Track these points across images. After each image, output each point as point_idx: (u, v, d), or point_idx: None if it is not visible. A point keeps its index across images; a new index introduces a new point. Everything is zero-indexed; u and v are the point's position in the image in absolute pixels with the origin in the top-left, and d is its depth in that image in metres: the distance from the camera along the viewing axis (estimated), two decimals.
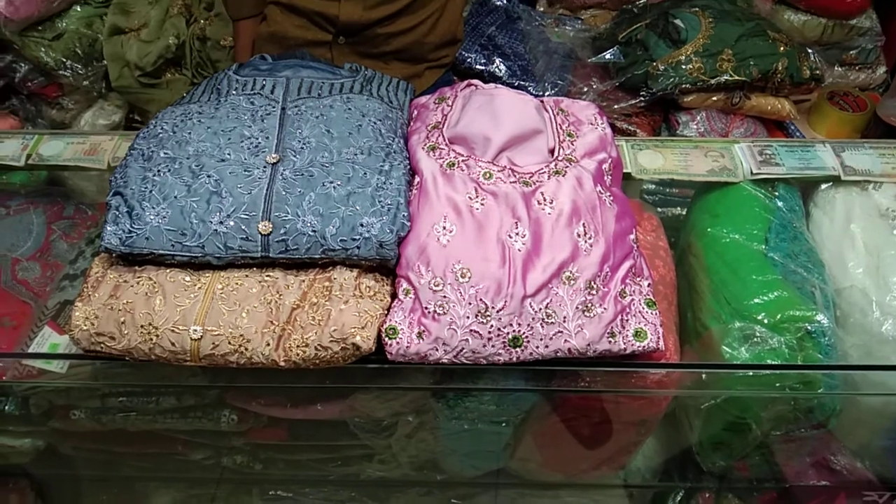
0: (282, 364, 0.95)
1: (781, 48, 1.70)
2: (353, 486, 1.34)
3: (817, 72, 1.73)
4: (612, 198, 1.07)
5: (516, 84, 1.80)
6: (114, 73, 1.91)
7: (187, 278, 0.99)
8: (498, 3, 1.96)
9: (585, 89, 1.81)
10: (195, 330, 0.95)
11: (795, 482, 1.30)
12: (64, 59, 1.89)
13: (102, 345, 0.97)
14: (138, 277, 0.99)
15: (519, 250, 0.99)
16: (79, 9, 1.93)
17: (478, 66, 1.82)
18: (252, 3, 1.56)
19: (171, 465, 1.30)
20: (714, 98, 1.72)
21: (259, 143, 1.06)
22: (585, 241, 1.00)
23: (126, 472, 1.37)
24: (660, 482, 1.41)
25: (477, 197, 1.03)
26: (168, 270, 1.00)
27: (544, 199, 1.03)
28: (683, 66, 1.69)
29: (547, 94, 1.78)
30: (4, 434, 1.24)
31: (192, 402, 1.14)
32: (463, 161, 1.08)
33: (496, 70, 1.82)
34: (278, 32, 1.48)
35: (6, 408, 1.17)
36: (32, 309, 1.20)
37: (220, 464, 1.26)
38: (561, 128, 1.15)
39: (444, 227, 1.00)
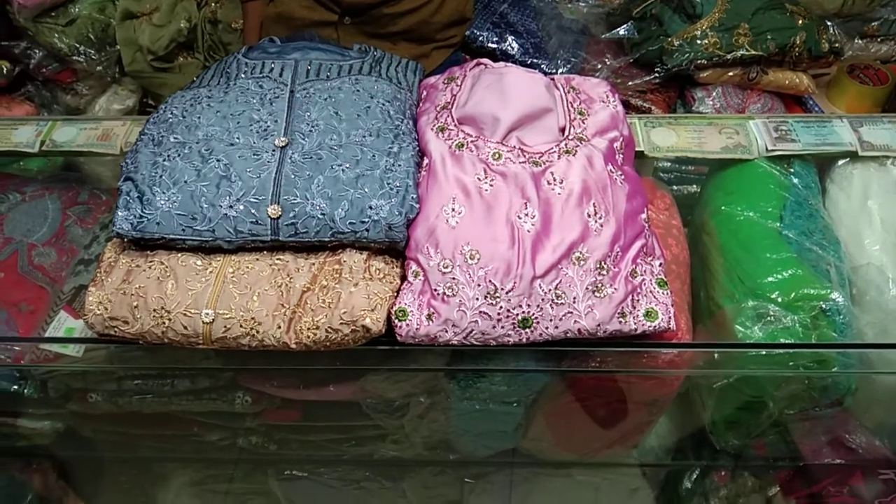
0: (293, 346, 0.96)
1: (799, 21, 1.66)
2: (368, 466, 1.36)
3: (836, 45, 1.69)
4: (623, 177, 1.06)
5: (529, 62, 1.78)
6: (127, 58, 1.91)
7: (199, 262, 1.00)
8: None
9: (599, 66, 1.79)
10: (207, 314, 0.96)
11: (811, 460, 1.29)
12: (77, 45, 1.89)
13: (116, 329, 0.98)
14: (150, 262, 1.00)
15: (528, 231, 0.98)
16: None
17: (490, 45, 1.79)
18: None
19: (188, 446, 1.32)
20: (730, 73, 1.69)
21: (268, 126, 1.06)
22: (596, 221, 1.00)
23: (145, 452, 1.39)
24: (673, 461, 1.41)
25: (486, 178, 1.03)
26: (180, 255, 1.01)
27: (554, 180, 1.03)
28: (699, 42, 1.66)
29: (560, 71, 1.75)
30: (25, 416, 1.27)
31: (207, 384, 1.15)
32: (472, 142, 1.07)
33: (508, 48, 1.79)
34: (285, 13, 1.47)
35: (25, 391, 1.19)
36: (49, 294, 1.22)
37: (235, 444, 1.27)
38: (572, 106, 1.14)
39: (453, 209, 1.00)
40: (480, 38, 1.77)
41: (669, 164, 1.66)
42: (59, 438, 1.34)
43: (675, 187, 1.72)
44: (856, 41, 1.88)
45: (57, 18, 1.88)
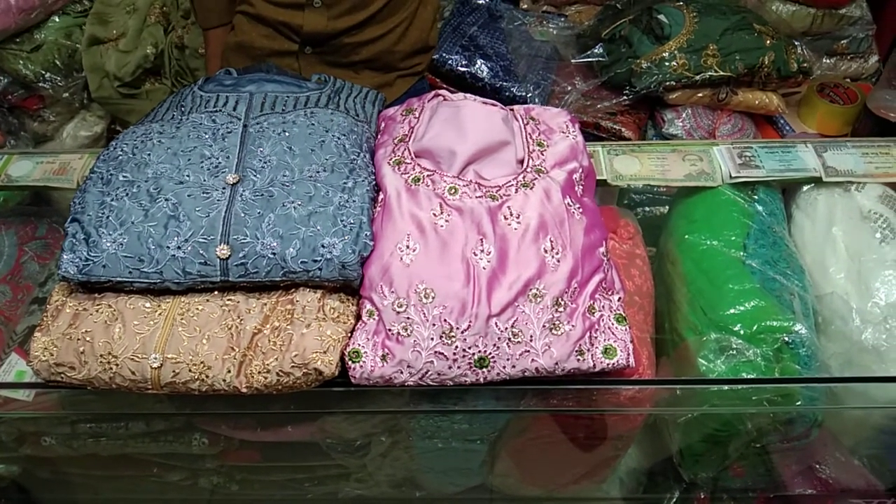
0: (244, 391, 0.94)
1: (768, 41, 1.66)
2: None
3: (805, 64, 1.69)
4: (581, 209, 1.04)
5: (499, 85, 1.77)
6: (93, 84, 1.90)
7: (147, 305, 0.98)
8: (480, 1, 1.93)
9: (569, 88, 1.78)
10: (155, 358, 0.93)
11: (785, 490, 1.27)
12: (43, 72, 1.87)
13: (63, 375, 0.95)
14: (98, 305, 0.98)
15: (484, 268, 0.96)
16: (57, 20, 1.91)
17: (459, 68, 1.79)
18: (221, 11, 1.54)
19: (151, 486, 1.29)
20: (700, 94, 1.69)
21: (219, 163, 1.04)
22: (553, 257, 0.98)
23: (105, 494, 1.36)
24: (647, 492, 1.39)
25: (441, 213, 1.01)
26: (128, 297, 0.98)
27: (511, 214, 1.01)
28: (667, 63, 1.65)
29: (529, 94, 1.75)
30: None
31: (162, 426, 1.13)
32: (428, 176, 1.05)
33: (478, 71, 1.79)
34: (245, 42, 1.45)
35: None
36: (2, 333, 1.19)
37: (198, 485, 1.24)
38: (531, 137, 1.12)
39: (408, 246, 0.98)
40: (450, 62, 1.76)
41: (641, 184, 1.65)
42: (23, 478, 1.31)
43: (647, 209, 1.71)
44: (825, 60, 1.89)
45: (22, 45, 1.86)
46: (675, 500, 1.40)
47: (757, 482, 1.30)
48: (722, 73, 1.64)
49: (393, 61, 1.51)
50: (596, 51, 1.77)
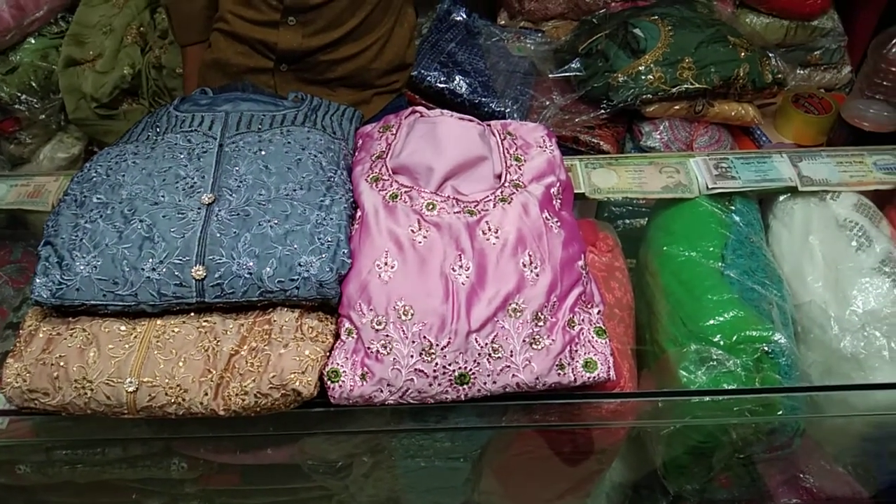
0: (221, 413, 0.92)
1: (742, 53, 1.68)
2: None
3: (779, 76, 1.71)
4: (559, 223, 1.04)
5: (477, 101, 1.78)
6: (70, 106, 1.88)
7: (123, 328, 0.96)
8: (457, 18, 1.94)
9: (547, 103, 1.79)
10: (130, 382, 0.92)
11: (768, 501, 1.27)
12: (19, 94, 1.86)
13: (36, 401, 0.94)
14: (72, 329, 0.96)
15: (463, 284, 0.96)
16: (33, 41, 1.90)
17: (438, 84, 1.79)
18: (199, 28, 1.53)
19: None
20: (676, 107, 1.70)
21: (195, 183, 1.03)
22: (531, 271, 0.98)
23: None
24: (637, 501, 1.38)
25: (420, 230, 1.00)
26: (103, 321, 0.97)
27: (489, 229, 1.01)
28: (643, 77, 1.66)
29: (508, 110, 1.75)
30: None
31: (140, 451, 1.11)
32: (406, 192, 1.05)
33: (457, 87, 1.79)
34: (221, 59, 1.45)
35: None
36: None
37: None
38: (508, 152, 1.13)
39: (386, 263, 0.98)
40: (428, 78, 1.77)
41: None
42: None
43: (626, 221, 1.71)
44: (798, 71, 1.91)
45: None
46: None
47: (743, 493, 1.30)
48: (698, 85, 1.66)
49: (369, 79, 1.51)
50: (573, 65, 1.79)
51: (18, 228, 1.45)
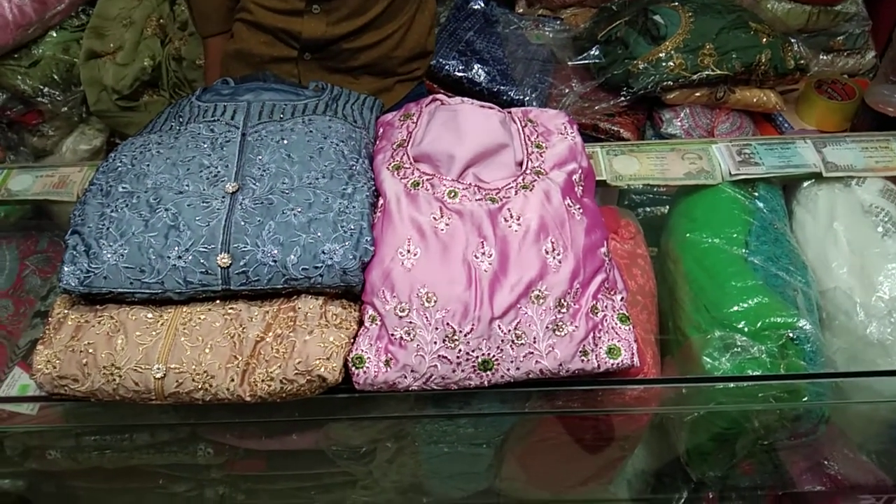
0: (247, 399, 0.93)
1: (764, 39, 1.66)
2: None
3: (802, 62, 1.69)
4: (581, 210, 1.04)
5: (496, 89, 1.77)
6: (92, 98, 1.90)
7: (149, 315, 0.98)
8: (475, 7, 1.93)
9: (567, 91, 1.78)
10: (158, 368, 0.93)
11: (792, 487, 1.26)
12: (41, 87, 1.88)
13: (66, 387, 0.95)
14: (100, 317, 0.98)
15: (485, 271, 0.96)
16: (54, 34, 1.92)
17: (456, 73, 1.79)
18: (220, 19, 1.54)
19: (156, 498, 1.29)
20: (697, 94, 1.69)
21: (218, 172, 1.04)
22: (554, 258, 0.98)
23: None
24: (655, 492, 1.38)
25: (442, 217, 1.01)
26: (130, 308, 0.98)
27: (511, 216, 1.01)
28: (664, 64, 1.65)
29: (527, 98, 1.75)
30: None
31: (167, 437, 1.12)
32: (428, 180, 1.05)
33: (475, 76, 1.79)
34: (244, 49, 1.46)
35: None
36: (5, 347, 1.19)
37: (203, 495, 1.24)
38: (529, 139, 1.12)
39: (409, 251, 0.98)
40: (447, 67, 1.76)
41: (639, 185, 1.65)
42: (28, 492, 1.30)
43: (647, 209, 1.71)
44: (821, 56, 1.89)
45: (20, 60, 1.86)
46: (682, 500, 1.40)
47: (765, 480, 1.30)
48: (719, 71, 1.64)
49: (391, 66, 1.51)
50: (592, 53, 1.78)
51: (44, 219, 1.47)
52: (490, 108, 1.14)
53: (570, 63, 1.80)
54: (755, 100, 1.71)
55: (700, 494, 1.36)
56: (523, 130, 1.13)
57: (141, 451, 1.14)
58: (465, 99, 1.16)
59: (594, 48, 1.78)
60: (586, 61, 1.79)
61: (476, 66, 1.79)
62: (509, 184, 1.05)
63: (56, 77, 1.89)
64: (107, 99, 1.90)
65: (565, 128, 1.15)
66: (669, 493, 1.38)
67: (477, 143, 1.07)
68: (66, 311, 1.00)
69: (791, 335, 1.02)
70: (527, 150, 1.10)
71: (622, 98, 1.71)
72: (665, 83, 1.65)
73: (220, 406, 0.97)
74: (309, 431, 1.11)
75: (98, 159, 1.96)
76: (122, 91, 1.86)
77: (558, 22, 1.93)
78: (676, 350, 1.11)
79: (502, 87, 1.78)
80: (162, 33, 1.91)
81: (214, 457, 1.15)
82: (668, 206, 1.66)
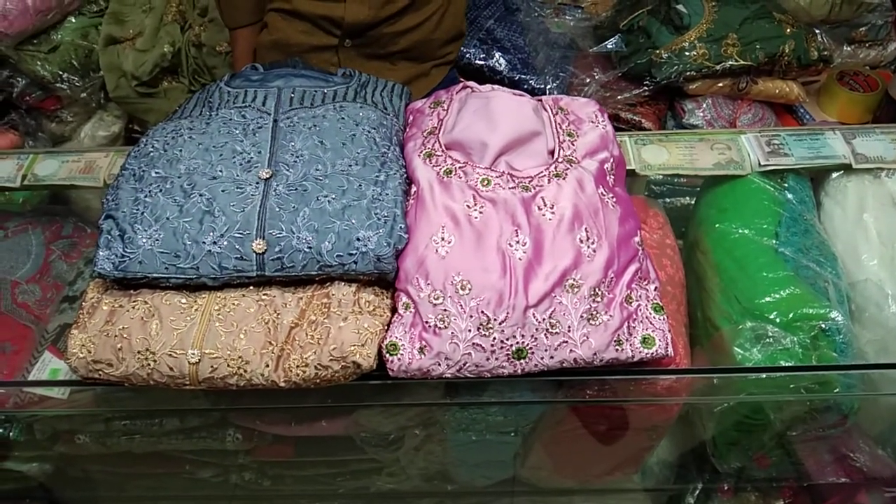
0: (282, 385, 0.94)
1: (788, 30, 1.65)
2: (364, 499, 1.33)
3: (825, 53, 1.68)
4: (614, 199, 1.04)
5: (517, 78, 1.77)
6: (111, 84, 1.90)
7: (183, 300, 0.98)
8: None
9: (588, 80, 1.78)
10: (193, 354, 0.93)
11: (814, 479, 1.27)
12: (61, 72, 1.87)
13: (101, 372, 0.95)
14: (134, 302, 0.98)
15: (520, 259, 0.96)
16: (73, 20, 1.91)
17: (477, 62, 1.78)
18: (249, 10, 1.51)
19: (180, 483, 1.29)
20: (720, 84, 1.68)
21: (251, 158, 1.04)
22: (588, 247, 0.98)
23: (137, 491, 1.36)
24: (675, 482, 1.38)
25: (475, 205, 1.00)
26: (164, 293, 0.98)
27: (545, 205, 1.01)
28: (687, 53, 1.64)
29: (548, 87, 1.74)
30: (11, 459, 1.24)
31: (196, 422, 1.13)
32: (460, 168, 1.05)
33: (496, 64, 1.78)
34: (281, 40, 1.43)
35: (11, 434, 1.16)
36: (34, 332, 1.19)
37: (228, 481, 1.24)
38: (560, 127, 1.12)
39: (443, 238, 0.98)
40: (468, 56, 1.76)
41: (662, 177, 1.65)
42: (50, 479, 1.31)
43: (668, 200, 1.70)
44: (844, 48, 1.87)
45: (39, 46, 1.86)
46: (699, 490, 1.40)
47: (782, 472, 1.30)
48: (742, 62, 1.64)
49: (429, 50, 1.49)
50: (614, 42, 1.77)
51: (67, 204, 1.47)
52: (522, 95, 1.14)
53: (591, 52, 1.79)
54: (777, 91, 1.70)
55: (715, 485, 1.36)
56: (554, 118, 1.13)
57: (170, 437, 1.14)
58: (496, 86, 1.16)
59: (616, 37, 1.77)
60: (608, 50, 1.78)
61: (497, 55, 1.78)
62: (542, 172, 1.05)
63: (75, 63, 1.89)
64: (126, 85, 1.89)
65: (596, 116, 1.15)
66: (686, 483, 1.38)
67: (510, 131, 1.06)
68: (99, 296, 1.00)
69: (823, 326, 1.02)
70: (558, 138, 1.10)
71: (644, 88, 1.70)
72: (688, 73, 1.65)
73: (250, 392, 0.97)
74: (339, 418, 1.11)
75: (116, 146, 1.96)
76: (141, 77, 1.86)
77: (579, 10, 1.92)
78: (706, 340, 1.11)
79: (523, 76, 1.77)
80: (182, 19, 1.90)
81: (242, 442, 1.15)
82: (688, 198, 1.66)
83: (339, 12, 1.37)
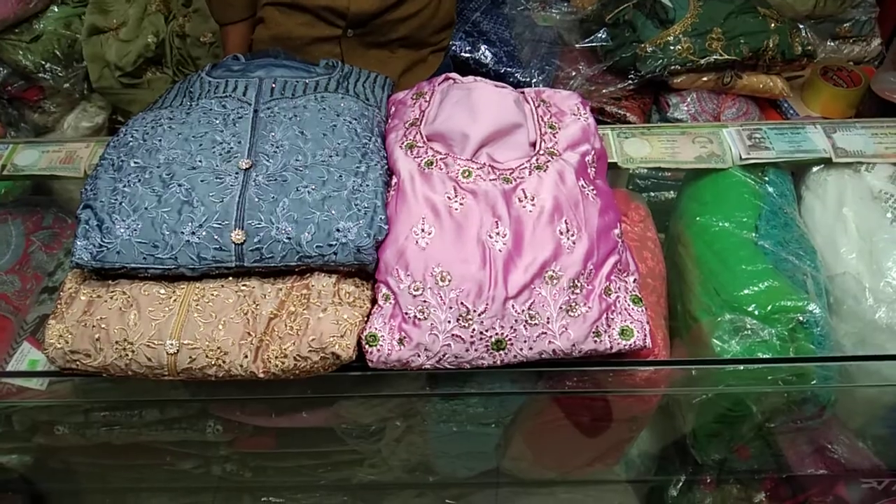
0: (261, 376, 0.93)
1: (772, 25, 1.66)
2: (346, 490, 1.33)
3: (809, 48, 1.69)
4: (595, 191, 1.04)
5: (502, 71, 1.77)
6: (94, 75, 1.88)
7: (162, 291, 0.97)
8: None
9: (573, 74, 1.78)
10: (171, 344, 0.93)
11: (794, 471, 1.28)
12: (43, 62, 1.86)
13: (78, 362, 0.95)
14: (112, 292, 0.97)
15: (500, 251, 0.96)
16: (56, 9, 1.90)
17: (463, 54, 1.78)
18: (243, 6, 1.46)
19: (161, 475, 1.29)
20: (704, 78, 1.69)
21: (231, 148, 1.04)
22: (568, 239, 0.98)
23: (119, 482, 1.36)
24: (659, 470, 1.39)
25: (456, 196, 1.00)
26: (142, 283, 0.98)
27: (525, 196, 1.01)
28: (672, 47, 1.65)
29: (534, 80, 1.74)
30: None
31: (176, 413, 1.13)
32: (441, 159, 1.05)
33: (482, 57, 1.78)
34: (281, 34, 1.40)
35: None
36: (12, 323, 1.19)
37: (210, 472, 1.24)
38: (542, 119, 1.12)
39: (423, 230, 0.98)
40: (453, 48, 1.76)
41: (646, 170, 1.65)
42: (30, 470, 1.30)
43: (652, 194, 1.71)
44: (828, 43, 1.89)
45: (21, 35, 1.84)
46: (682, 482, 1.41)
47: (763, 464, 1.31)
48: (727, 56, 1.64)
49: (426, 36, 1.47)
50: (600, 36, 1.77)
51: (49, 195, 1.46)
52: (504, 87, 1.14)
53: (577, 46, 1.80)
54: (762, 85, 1.71)
55: (698, 477, 1.37)
56: (536, 111, 1.13)
57: (150, 428, 1.14)
58: (479, 78, 1.16)
59: (601, 31, 1.78)
60: (593, 44, 1.78)
61: (482, 47, 1.78)
62: (523, 164, 1.05)
63: (58, 52, 1.87)
64: (109, 75, 1.88)
65: (578, 109, 1.15)
66: (669, 475, 1.39)
67: (491, 123, 1.06)
68: (77, 286, 1.00)
69: (801, 319, 1.03)
70: (540, 130, 1.10)
71: (629, 82, 1.71)
72: (673, 67, 1.65)
73: (230, 383, 0.97)
74: (319, 409, 1.11)
75: (100, 137, 1.94)
76: (125, 68, 1.85)
77: (565, 4, 1.92)
78: (686, 333, 1.12)
79: (509, 69, 1.77)
80: (166, 10, 1.89)
81: (223, 434, 1.15)
82: (672, 191, 1.66)
83: (344, 3, 1.35)
